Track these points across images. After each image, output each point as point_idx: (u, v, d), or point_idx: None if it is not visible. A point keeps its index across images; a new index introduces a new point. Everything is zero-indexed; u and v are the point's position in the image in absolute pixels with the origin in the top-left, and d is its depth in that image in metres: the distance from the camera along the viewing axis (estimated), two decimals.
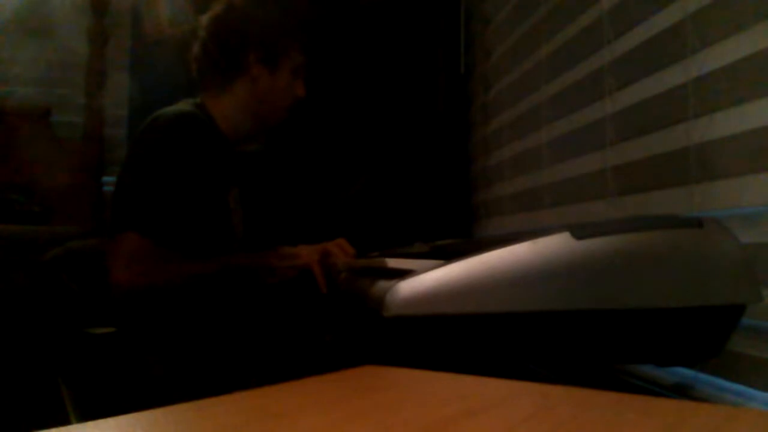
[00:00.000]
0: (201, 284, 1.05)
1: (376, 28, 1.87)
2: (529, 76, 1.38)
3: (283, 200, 1.69)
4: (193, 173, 1.07)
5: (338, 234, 1.16)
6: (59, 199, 1.65)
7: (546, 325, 0.61)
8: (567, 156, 1.19)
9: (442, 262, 0.62)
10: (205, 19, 1.20)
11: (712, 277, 0.61)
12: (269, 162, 1.67)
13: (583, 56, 1.12)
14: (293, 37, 1.22)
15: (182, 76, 1.27)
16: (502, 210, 1.56)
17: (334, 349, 1.13)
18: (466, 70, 1.92)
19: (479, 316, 0.59)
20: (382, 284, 0.64)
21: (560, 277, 0.59)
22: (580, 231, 0.61)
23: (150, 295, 1.01)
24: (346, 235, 1.17)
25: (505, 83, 1.54)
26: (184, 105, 1.17)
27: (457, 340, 0.61)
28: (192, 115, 1.13)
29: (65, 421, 0.83)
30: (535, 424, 0.34)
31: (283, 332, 1.17)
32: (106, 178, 1.75)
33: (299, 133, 1.69)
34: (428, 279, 0.60)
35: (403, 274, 0.62)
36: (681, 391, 0.84)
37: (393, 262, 0.72)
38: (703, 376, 0.81)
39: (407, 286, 0.60)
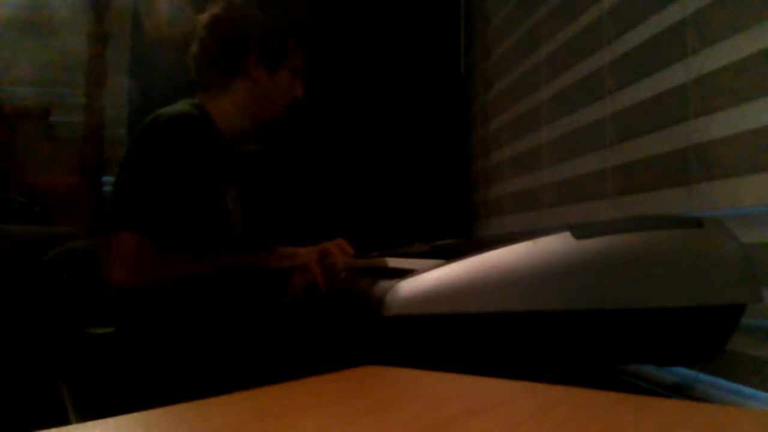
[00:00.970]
0: (199, 284, 1.05)
1: (376, 28, 1.87)
2: (529, 76, 1.38)
3: (282, 200, 1.69)
4: (191, 173, 1.07)
5: (338, 234, 1.16)
6: (59, 199, 1.65)
7: (546, 325, 0.61)
8: (567, 156, 1.19)
9: (442, 261, 0.62)
10: (204, 18, 1.20)
11: (712, 277, 0.61)
12: (269, 162, 1.67)
13: (583, 56, 1.12)
14: (293, 37, 1.22)
15: (182, 76, 1.26)
16: (502, 210, 1.56)
17: (334, 349, 1.13)
18: (466, 70, 1.92)
19: (479, 315, 0.59)
20: (383, 284, 0.64)
21: (560, 276, 0.59)
22: (580, 231, 0.61)
23: (147, 294, 1.01)
24: (346, 235, 1.17)
25: (505, 83, 1.54)
26: (182, 105, 1.17)
27: (458, 339, 0.61)
28: (190, 115, 1.13)
29: (65, 421, 0.83)
30: (535, 424, 0.34)
31: (283, 332, 1.17)
32: (106, 178, 1.75)
33: (299, 133, 1.69)
34: (428, 279, 0.60)
35: (404, 273, 0.62)
36: (681, 391, 0.84)
37: (393, 262, 0.72)
38: (703, 376, 0.81)
39: (407, 286, 0.60)
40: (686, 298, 0.61)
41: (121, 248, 1.00)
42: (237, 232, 1.18)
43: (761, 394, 0.71)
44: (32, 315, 1.12)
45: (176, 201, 1.04)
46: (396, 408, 0.39)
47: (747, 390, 0.74)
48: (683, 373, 0.86)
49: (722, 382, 0.78)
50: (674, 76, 0.86)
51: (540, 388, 0.42)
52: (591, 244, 0.60)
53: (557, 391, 0.42)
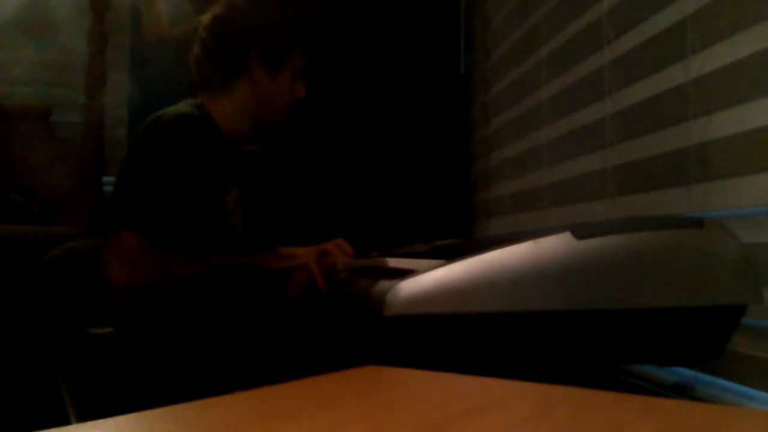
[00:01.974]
0: (198, 284, 1.05)
1: (377, 29, 1.87)
2: (529, 76, 1.38)
3: (283, 201, 1.69)
4: (192, 173, 1.07)
5: (338, 234, 1.16)
6: (59, 199, 1.65)
7: (546, 325, 0.61)
8: (567, 156, 1.19)
9: (442, 261, 0.62)
10: (205, 19, 1.20)
11: (712, 277, 0.61)
12: (269, 162, 1.67)
13: (583, 56, 1.12)
14: (294, 38, 1.22)
15: (182, 76, 1.26)
16: (502, 210, 1.56)
17: (334, 349, 1.13)
18: (466, 70, 1.92)
19: (480, 315, 0.59)
20: (383, 284, 0.64)
21: (561, 277, 0.59)
22: (580, 231, 0.61)
23: (146, 294, 1.01)
24: (347, 235, 1.16)
25: (505, 83, 1.54)
26: (184, 106, 1.17)
27: (458, 339, 0.61)
28: (191, 115, 1.13)
29: (65, 421, 0.83)
30: (535, 424, 0.34)
31: (283, 332, 1.17)
32: (106, 178, 1.75)
33: (299, 133, 1.69)
34: (429, 279, 0.60)
35: (404, 273, 0.62)
36: (681, 391, 0.84)
37: (393, 262, 0.72)
38: (703, 376, 0.81)
39: (408, 286, 0.60)
40: (686, 298, 0.61)
41: (120, 248, 1.00)
42: (237, 233, 1.18)
43: (761, 394, 0.71)
44: (32, 315, 1.12)
45: (177, 201, 1.04)
46: (396, 408, 0.39)
47: (747, 390, 0.74)
48: (683, 373, 0.86)
49: (722, 382, 0.78)
50: (674, 76, 0.86)
51: (540, 388, 0.42)
52: (591, 244, 0.60)
53: (557, 391, 0.42)
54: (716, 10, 0.78)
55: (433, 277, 0.60)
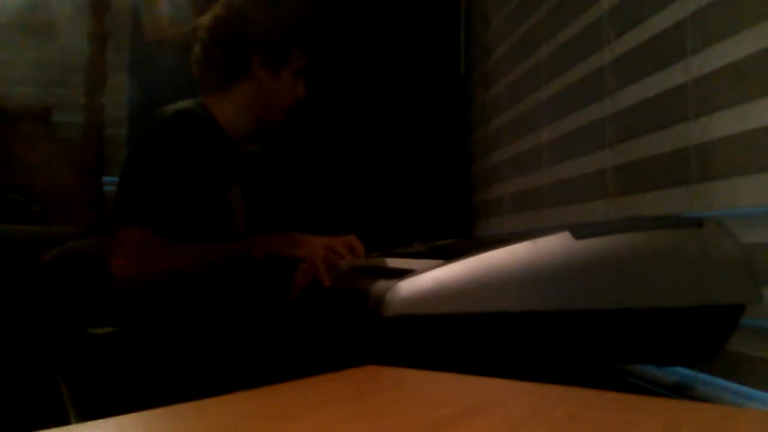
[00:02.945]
0: (204, 275, 1.05)
1: (377, 29, 1.87)
2: (529, 76, 1.38)
3: (284, 199, 1.69)
4: (195, 169, 1.07)
5: (338, 234, 1.15)
6: (59, 199, 1.65)
7: (546, 325, 0.61)
8: (567, 156, 1.19)
9: (442, 262, 0.62)
10: (206, 20, 1.20)
11: (712, 277, 0.61)
12: (271, 161, 1.67)
13: (583, 56, 1.12)
14: (296, 38, 1.22)
15: (182, 77, 1.27)
16: (502, 210, 1.56)
17: (334, 349, 1.13)
18: (466, 70, 1.92)
19: (479, 315, 0.59)
20: (382, 284, 0.64)
21: (560, 277, 0.60)
22: (580, 231, 0.61)
23: (152, 287, 1.00)
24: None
25: (505, 83, 1.54)
26: (186, 103, 1.17)
27: (457, 339, 0.61)
28: (194, 111, 1.13)
29: (65, 421, 0.83)
30: (535, 424, 0.34)
31: (284, 332, 1.17)
32: (106, 178, 1.75)
33: (300, 133, 1.69)
34: (428, 279, 0.60)
35: (403, 273, 0.62)
36: (681, 391, 0.84)
37: (393, 262, 0.72)
38: (703, 376, 0.81)
39: (407, 286, 0.60)
40: (686, 298, 0.61)
41: (124, 240, 0.99)
42: (240, 230, 1.18)
43: (761, 394, 0.71)
44: (32, 315, 1.12)
45: (180, 194, 1.04)
46: (396, 408, 0.39)
47: (747, 390, 0.74)
48: (683, 373, 0.86)
49: (722, 382, 0.78)
50: (674, 76, 0.86)
51: (540, 388, 0.42)
52: (591, 244, 0.60)
53: (557, 391, 0.42)
54: (716, 10, 0.78)
55: (432, 277, 0.60)
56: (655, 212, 0.91)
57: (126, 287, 0.98)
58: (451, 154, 1.89)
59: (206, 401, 0.38)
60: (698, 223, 0.63)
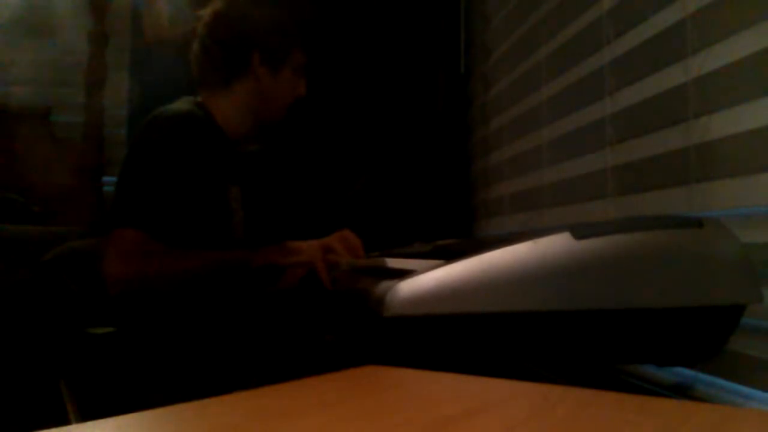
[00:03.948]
0: (200, 281, 1.05)
1: (377, 29, 1.87)
2: (529, 76, 1.38)
3: (283, 200, 1.69)
4: (193, 171, 1.06)
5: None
6: (59, 199, 1.65)
7: (546, 325, 0.61)
8: (567, 156, 1.19)
9: (442, 262, 0.62)
10: (204, 16, 1.19)
11: (712, 277, 0.61)
12: (270, 162, 1.67)
13: (583, 56, 1.12)
14: (296, 35, 1.22)
15: (182, 76, 1.26)
16: (502, 210, 1.56)
17: (334, 349, 1.13)
18: (466, 70, 1.92)
19: (479, 316, 0.59)
20: (382, 284, 0.64)
21: (560, 277, 0.59)
22: (580, 231, 0.61)
23: (147, 291, 1.01)
24: None
25: (505, 83, 1.54)
26: (184, 103, 1.16)
27: (457, 340, 0.61)
28: (192, 113, 1.12)
29: (65, 421, 0.83)
30: (535, 424, 0.34)
31: (284, 332, 1.17)
32: (106, 178, 1.75)
33: (300, 133, 1.69)
34: (428, 279, 0.60)
35: (403, 274, 0.62)
36: (681, 391, 0.84)
37: (393, 262, 0.72)
38: (703, 376, 0.81)
39: (407, 286, 0.60)
40: (686, 298, 0.61)
41: (119, 242, 0.99)
42: (238, 231, 1.18)
43: (761, 394, 0.71)
44: (33, 315, 1.12)
45: (178, 199, 1.04)
46: (396, 408, 0.39)
47: (747, 390, 0.74)
48: (683, 373, 0.86)
49: (722, 382, 0.78)
50: (674, 76, 0.86)
51: (540, 388, 0.42)
52: (591, 244, 0.60)
53: (557, 391, 0.42)
54: (716, 10, 0.78)
55: (433, 278, 0.60)
56: (655, 212, 0.91)
57: (118, 290, 0.98)
58: (451, 154, 1.89)
59: (206, 401, 0.38)
60: (698, 223, 0.63)
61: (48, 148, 1.70)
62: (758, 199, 0.72)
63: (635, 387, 0.90)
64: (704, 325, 0.63)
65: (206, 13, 1.19)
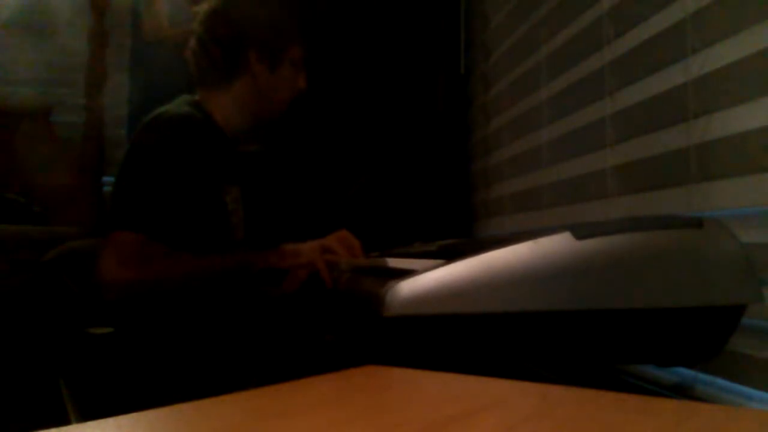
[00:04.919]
0: (199, 283, 1.05)
1: (377, 28, 1.87)
2: (529, 76, 1.38)
3: (283, 200, 1.69)
4: (191, 173, 1.06)
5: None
6: (59, 199, 1.65)
7: (546, 325, 0.61)
8: (567, 156, 1.19)
9: (442, 261, 0.62)
10: (201, 13, 1.18)
11: (712, 277, 0.61)
12: (270, 162, 1.67)
13: (582, 56, 1.12)
14: (293, 30, 1.21)
15: (182, 76, 1.26)
16: (502, 210, 1.56)
17: (334, 349, 1.13)
18: (466, 70, 1.92)
19: (480, 316, 0.59)
20: (382, 284, 0.64)
21: (561, 277, 0.59)
22: (580, 231, 0.61)
23: (144, 293, 1.00)
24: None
25: (505, 83, 1.54)
26: (182, 104, 1.16)
27: (458, 340, 0.61)
28: (190, 116, 1.12)
29: (65, 421, 0.83)
30: (535, 424, 0.34)
31: (284, 332, 1.17)
32: (106, 178, 1.75)
33: (299, 133, 1.69)
34: (429, 279, 0.60)
35: (404, 273, 0.62)
36: (681, 391, 0.84)
37: (393, 262, 0.72)
38: (703, 376, 0.81)
39: (407, 286, 0.60)
40: (686, 298, 0.61)
41: (116, 245, 0.99)
42: (238, 232, 1.18)
43: (761, 394, 0.71)
44: (32, 315, 1.12)
45: (175, 199, 1.03)
46: (396, 408, 0.39)
47: (747, 390, 0.74)
48: (683, 373, 0.86)
49: (722, 382, 0.78)
50: (674, 76, 0.86)
51: (540, 388, 0.42)
52: (591, 244, 0.60)
53: (557, 391, 0.42)
54: (716, 10, 0.78)
55: (433, 278, 0.60)
56: (655, 212, 0.90)
57: (114, 295, 0.98)
58: (451, 154, 1.89)
59: (206, 401, 0.38)
60: (698, 223, 0.63)
61: (48, 148, 1.70)
62: (758, 199, 0.72)
63: (635, 387, 0.90)
64: (704, 325, 0.63)
65: (202, 9, 1.18)
